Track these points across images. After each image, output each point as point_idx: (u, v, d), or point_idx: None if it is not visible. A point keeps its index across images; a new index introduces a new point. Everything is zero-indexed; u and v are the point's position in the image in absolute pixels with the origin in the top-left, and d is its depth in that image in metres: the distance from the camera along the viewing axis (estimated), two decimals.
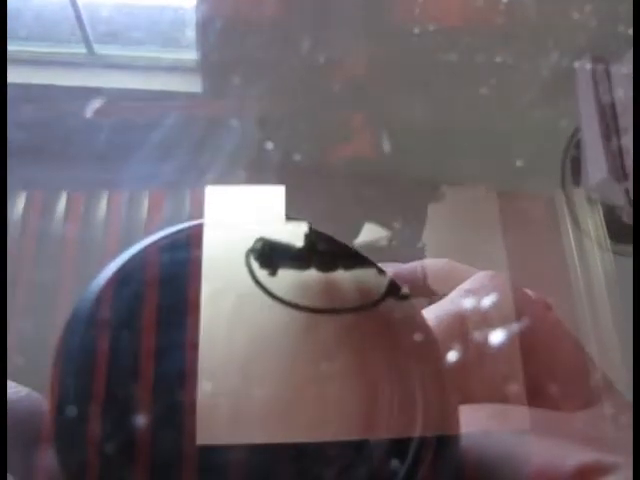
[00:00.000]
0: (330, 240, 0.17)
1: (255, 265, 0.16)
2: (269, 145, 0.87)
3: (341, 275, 0.16)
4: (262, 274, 0.16)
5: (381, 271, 0.16)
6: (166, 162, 0.80)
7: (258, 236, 0.16)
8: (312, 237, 0.16)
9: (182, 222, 0.17)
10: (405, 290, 0.16)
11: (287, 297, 0.16)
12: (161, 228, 0.17)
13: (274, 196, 0.17)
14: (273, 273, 0.16)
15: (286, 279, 0.16)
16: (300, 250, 0.16)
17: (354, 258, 0.16)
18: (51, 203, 0.99)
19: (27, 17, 0.96)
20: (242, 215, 0.17)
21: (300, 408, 0.15)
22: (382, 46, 0.86)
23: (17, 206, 0.97)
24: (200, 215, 0.17)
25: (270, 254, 0.16)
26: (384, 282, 0.16)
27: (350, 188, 0.94)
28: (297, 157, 0.91)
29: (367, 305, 0.16)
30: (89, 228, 0.96)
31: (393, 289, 0.16)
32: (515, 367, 0.16)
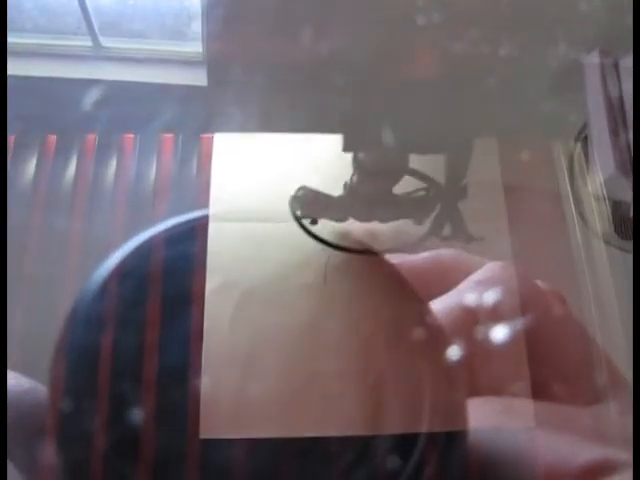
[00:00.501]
0: (369, 187, 0.17)
1: (298, 213, 0.16)
2: None
3: (379, 224, 0.17)
4: (305, 222, 0.16)
5: (420, 222, 0.17)
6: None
7: (301, 185, 0.17)
8: (350, 187, 0.17)
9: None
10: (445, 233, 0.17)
11: (329, 239, 0.16)
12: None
13: (316, 145, 0.18)
14: (315, 222, 0.16)
15: (327, 226, 0.16)
16: (340, 199, 0.17)
17: (392, 207, 0.17)
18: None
19: (32, 9, 0.96)
20: (281, 165, 0.18)
21: (304, 403, 0.15)
22: (384, 36, 0.86)
23: None
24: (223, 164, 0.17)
25: (312, 202, 0.17)
26: (423, 230, 0.17)
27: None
28: None
29: (403, 246, 0.16)
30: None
31: (432, 233, 0.16)
32: (524, 360, 0.16)
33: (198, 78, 0.99)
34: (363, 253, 0.16)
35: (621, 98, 0.79)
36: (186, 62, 1.02)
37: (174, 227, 0.17)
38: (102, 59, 1.01)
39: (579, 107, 0.88)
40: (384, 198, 0.17)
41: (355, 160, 0.17)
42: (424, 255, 0.19)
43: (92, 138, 0.96)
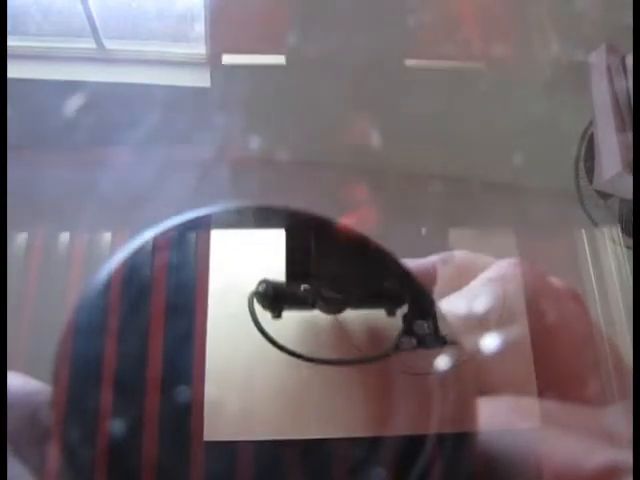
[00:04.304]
0: (336, 281, 0.16)
1: (258, 308, 0.16)
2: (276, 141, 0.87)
3: (349, 317, 0.16)
4: (265, 317, 0.16)
5: (392, 312, 0.16)
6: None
7: (262, 278, 0.16)
8: (317, 280, 0.16)
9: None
10: (420, 331, 0.16)
11: (291, 345, 0.15)
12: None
13: (277, 239, 0.17)
14: (278, 316, 0.16)
15: (292, 323, 0.16)
16: (304, 292, 0.16)
17: (363, 299, 0.16)
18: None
19: (37, 12, 0.96)
20: (245, 258, 0.17)
21: (308, 404, 0.15)
22: (380, 40, 0.85)
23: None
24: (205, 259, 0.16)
25: (274, 297, 0.16)
26: (396, 325, 0.16)
27: (372, 185, 0.93)
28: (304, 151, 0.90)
29: (379, 356, 0.15)
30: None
31: (407, 333, 0.15)
32: (536, 358, 0.16)
33: (201, 79, 1.00)
34: (332, 364, 0.15)
35: (628, 95, 0.78)
36: (189, 64, 1.02)
37: (177, 226, 0.17)
38: (106, 61, 1.01)
39: (583, 104, 0.87)
40: (352, 289, 0.16)
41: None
42: (434, 257, 0.19)
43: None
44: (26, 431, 0.15)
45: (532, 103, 0.89)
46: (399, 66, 0.90)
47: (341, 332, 0.16)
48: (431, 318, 0.16)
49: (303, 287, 0.16)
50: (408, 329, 0.16)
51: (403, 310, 0.16)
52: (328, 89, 0.95)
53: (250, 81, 0.91)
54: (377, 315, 0.16)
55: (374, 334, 0.16)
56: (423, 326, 0.16)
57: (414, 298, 0.16)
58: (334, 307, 0.16)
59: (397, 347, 0.16)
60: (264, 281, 0.16)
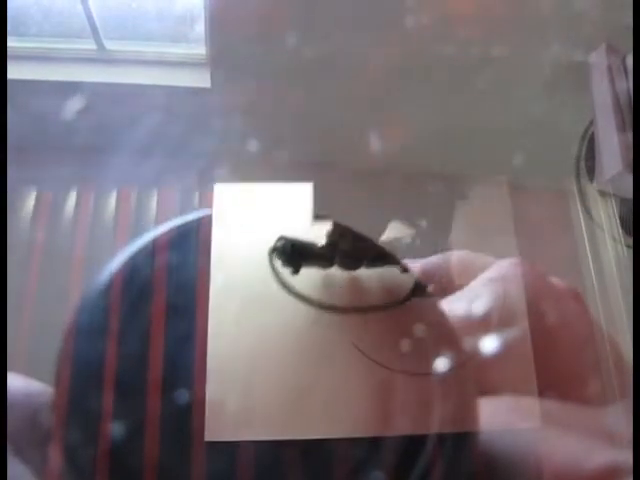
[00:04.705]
0: (354, 237, 0.16)
1: (278, 264, 0.16)
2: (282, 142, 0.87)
3: (365, 273, 0.16)
4: (285, 273, 0.16)
5: (406, 269, 0.16)
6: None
7: (280, 235, 0.16)
8: (335, 235, 0.16)
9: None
10: (430, 288, 0.16)
11: (312, 295, 0.15)
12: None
13: (301, 194, 0.17)
14: (296, 272, 0.16)
15: (309, 277, 0.16)
16: (322, 248, 0.16)
17: (378, 256, 0.16)
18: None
19: (37, 13, 0.96)
20: (265, 213, 0.17)
21: (309, 404, 0.15)
22: (380, 41, 0.85)
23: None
24: (221, 214, 0.17)
25: (292, 253, 0.16)
26: (410, 280, 0.16)
27: (372, 185, 0.93)
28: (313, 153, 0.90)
29: (393, 303, 0.16)
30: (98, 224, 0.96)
31: (419, 287, 0.16)
32: (537, 358, 0.16)
33: (202, 80, 1.00)
34: (348, 312, 0.15)
35: (628, 94, 0.78)
36: (190, 64, 1.02)
37: (178, 227, 0.17)
38: (107, 62, 1.01)
39: (583, 104, 0.87)
40: (369, 245, 0.16)
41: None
42: (434, 257, 0.19)
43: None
44: (27, 432, 0.15)
45: (532, 103, 0.89)
46: (399, 66, 0.90)
47: (357, 287, 0.16)
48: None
49: (321, 243, 0.16)
50: (420, 285, 0.16)
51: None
52: (328, 89, 0.95)
53: (250, 82, 0.91)
54: (392, 272, 0.16)
55: (389, 290, 0.16)
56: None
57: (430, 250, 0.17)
58: (351, 263, 0.16)
59: (412, 294, 0.16)
60: (282, 237, 0.16)
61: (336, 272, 0.16)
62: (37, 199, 0.99)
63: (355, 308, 0.16)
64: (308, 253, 0.16)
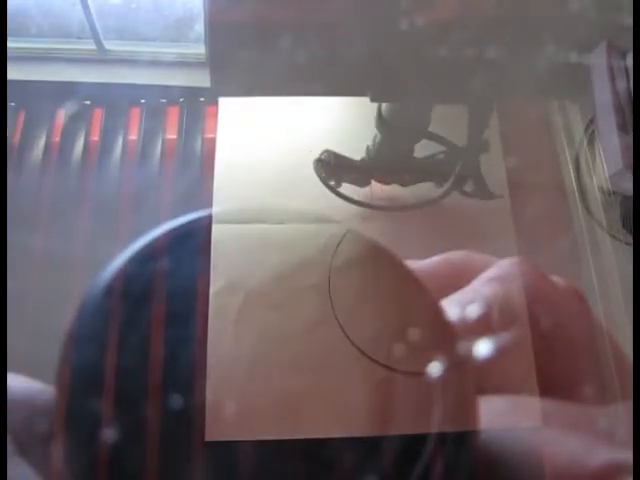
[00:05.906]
0: (390, 150, 0.16)
1: (322, 174, 0.16)
2: None
3: (400, 188, 0.16)
4: (329, 184, 0.16)
5: (439, 184, 0.16)
6: None
7: (324, 148, 0.16)
8: (373, 151, 0.16)
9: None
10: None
11: (353, 197, 0.16)
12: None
13: (337, 107, 0.17)
14: (337, 185, 0.16)
15: (348, 190, 0.16)
16: (361, 162, 0.16)
17: (413, 170, 0.16)
18: None
19: (36, 13, 0.96)
20: (304, 124, 0.17)
21: (309, 404, 0.15)
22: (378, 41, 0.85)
23: None
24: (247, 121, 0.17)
25: (335, 165, 0.16)
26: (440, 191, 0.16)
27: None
28: None
29: (423, 203, 0.16)
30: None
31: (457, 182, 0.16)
32: (538, 358, 0.16)
33: (201, 80, 1.00)
34: (384, 209, 0.16)
35: (628, 93, 0.78)
36: (189, 64, 1.02)
37: (179, 227, 0.17)
38: (106, 62, 1.02)
39: (583, 104, 0.87)
40: (405, 161, 0.17)
41: (379, 118, 0.17)
42: (434, 258, 0.19)
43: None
44: (29, 432, 0.15)
45: (532, 102, 0.89)
46: (397, 66, 0.90)
47: (394, 201, 0.16)
48: (479, 178, 0.16)
49: (361, 157, 0.16)
50: (456, 186, 0.16)
51: (451, 178, 0.17)
52: (328, 89, 0.95)
53: (250, 82, 0.91)
54: (427, 187, 0.17)
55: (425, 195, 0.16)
56: (470, 183, 0.16)
57: (460, 170, 0.17)
58: (388, 179, 0.16)
59: (449, 191, 0.16)
60: (327, 151, 0.16)
61: (374, 186, 0.16)
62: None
63: (389, 207, 0.16)
64: (348, 166, 0.16)
